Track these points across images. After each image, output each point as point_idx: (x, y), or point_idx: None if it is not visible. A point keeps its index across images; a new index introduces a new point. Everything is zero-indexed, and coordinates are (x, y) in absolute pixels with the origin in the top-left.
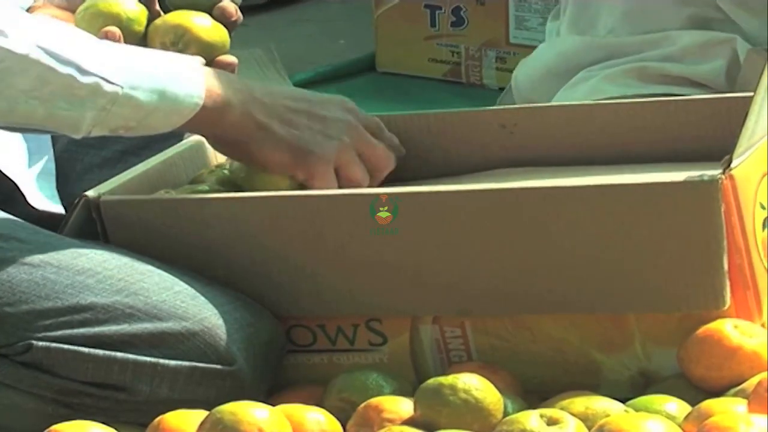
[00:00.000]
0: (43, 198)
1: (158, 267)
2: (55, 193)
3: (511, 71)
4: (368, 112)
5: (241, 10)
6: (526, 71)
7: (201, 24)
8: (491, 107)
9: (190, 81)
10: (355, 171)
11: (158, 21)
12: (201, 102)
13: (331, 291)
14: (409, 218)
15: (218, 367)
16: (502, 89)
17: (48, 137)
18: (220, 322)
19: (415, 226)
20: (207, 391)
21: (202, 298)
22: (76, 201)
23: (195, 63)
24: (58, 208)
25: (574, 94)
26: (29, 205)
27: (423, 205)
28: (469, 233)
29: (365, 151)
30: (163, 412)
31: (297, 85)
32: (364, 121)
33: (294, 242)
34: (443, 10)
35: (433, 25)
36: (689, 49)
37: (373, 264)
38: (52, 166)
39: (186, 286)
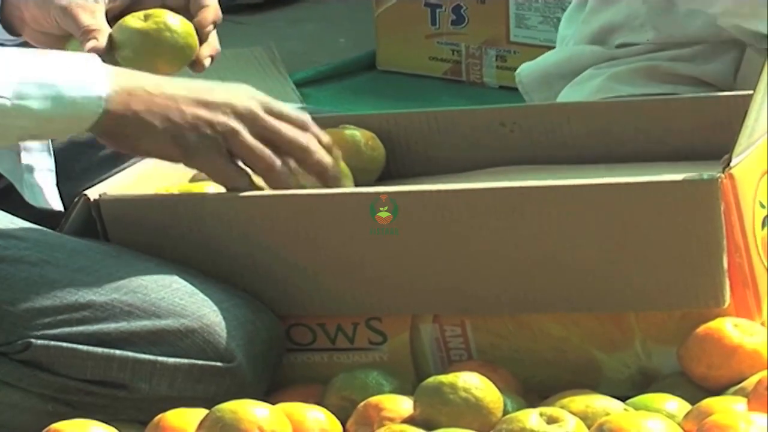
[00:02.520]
0: (42, 197)
1: (157, 264)
2: (55, 191)
3: (511, 69)
4: (368, 111)
5: (241, 9)
6: (529, 74)
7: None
8: (491, 106)
9: (89, 84)
10: (252, 155)
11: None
12: (103, 105)
13: (331, 290)
14: (409, 217)
15: (217, 364)
16: (502, 87)
17: None
18: (219, 319)
19: (415, 225)
20: (206, 389)
21: (201, 295)
22: (75, 200)
23: (93, 62)
24: (57, 207)
25: (581, 92)
26: (28, 204)
27: (423, 204)
28: (470, 232)
29: (265, 133)
30: (163, 410)
31: (297, 84)
32: (272, 109)
33: (294, 241)
34: (443, 9)
35: (433, 23)
36: (700, 50)
37: (373, 263)
38: (52, 164)
39: (185, 283)
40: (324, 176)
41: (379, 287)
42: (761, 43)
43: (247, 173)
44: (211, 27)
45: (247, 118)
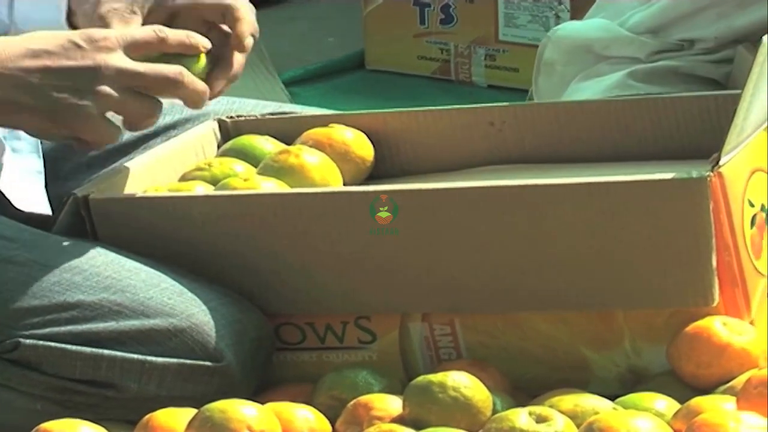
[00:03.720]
0: (30, 200)
1: (146, 264)
2: (44, 193)
3: (500, 68)
4: (357, 110)
5: None
6: (562, 38)
7: None
8: (480, 105)
9: None
10: (127, 108)
11: None
12: None
13: (321, 289)
14: (402, 216)
15: (206, 363)
16: (491, 86)
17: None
18: (208, 318)
19: (412, 224)
20: (195, 388)
21: (190, 294)
22: (64, 200)
23: None
24: (45, 211)
25: (598, 85)
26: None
27: (422, 203)
28: (460, 230)
29: (132, 82)
30: (152, 409)
31: (286, 83)
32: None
33: (283, 240)
34: (432, 8)
35: (422, 22)
36: (730, 52)
37: (363, 262)
38: (41, 166)
39: (173, 282)
40: (199, 103)
41: (369, 286)
42: None
43: (119, 127)
44: (250, 39)
45: (109, 76)
